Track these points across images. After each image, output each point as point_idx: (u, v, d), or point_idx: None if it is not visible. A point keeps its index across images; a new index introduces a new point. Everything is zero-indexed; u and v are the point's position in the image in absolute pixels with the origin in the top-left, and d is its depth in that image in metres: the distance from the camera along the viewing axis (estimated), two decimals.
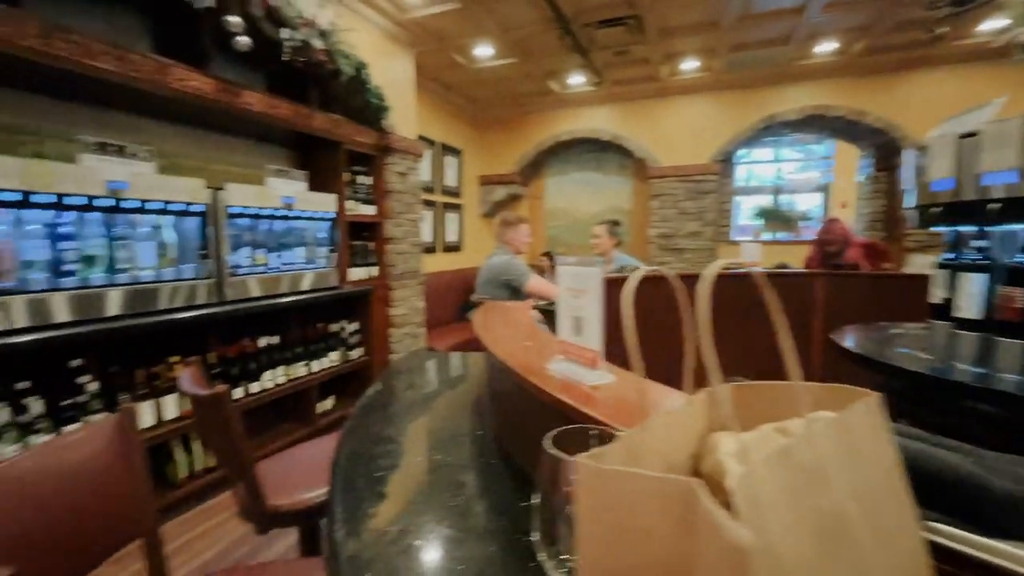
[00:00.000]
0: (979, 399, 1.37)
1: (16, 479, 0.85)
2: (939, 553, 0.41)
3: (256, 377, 2.61)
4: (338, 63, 2.92)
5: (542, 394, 0.68)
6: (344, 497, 0.83)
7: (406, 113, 4.02)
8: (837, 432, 0.36)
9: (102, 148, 1.98)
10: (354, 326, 3.49)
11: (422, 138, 5.06)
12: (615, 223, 3.52)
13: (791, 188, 7.05)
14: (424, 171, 5.38)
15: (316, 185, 3.11)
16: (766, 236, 6.74)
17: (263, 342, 2.67)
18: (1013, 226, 1.33)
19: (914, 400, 1.56)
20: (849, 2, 3.86)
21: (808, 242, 6.56)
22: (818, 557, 0.31)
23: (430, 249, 5.59)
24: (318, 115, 2.98)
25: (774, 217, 6.72)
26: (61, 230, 1.86)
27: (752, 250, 3.15)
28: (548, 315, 2.96)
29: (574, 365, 0.74)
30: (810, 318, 3.08)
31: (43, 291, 1.79)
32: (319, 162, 3.28)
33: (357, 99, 3.28)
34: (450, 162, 6.10)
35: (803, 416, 0.39)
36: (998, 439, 1.31)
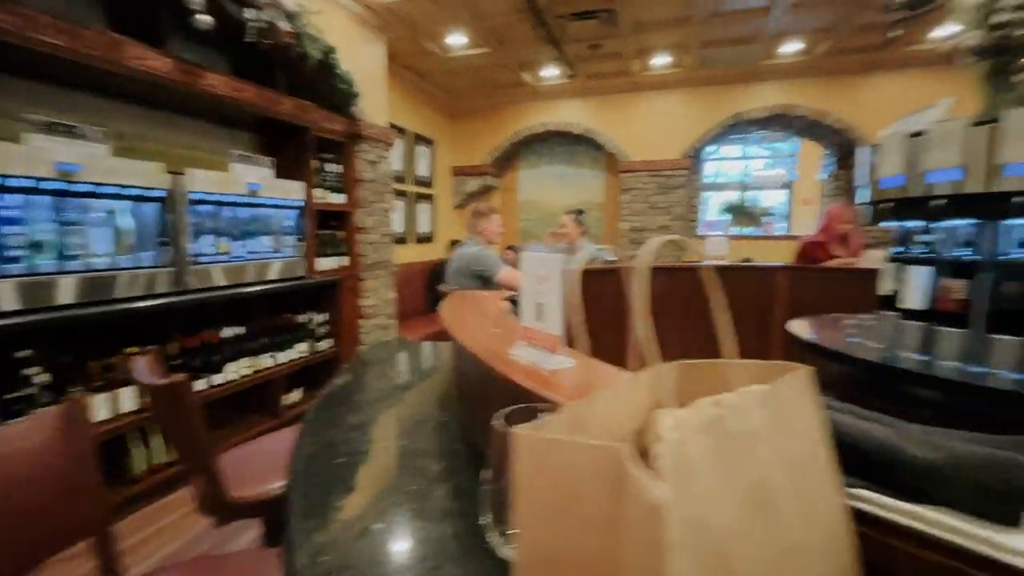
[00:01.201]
0: (921, 385, 1.45)
1: None
2: (859, 517, 0.44)
3: (219, 369, 2.55)
4: (305, 46, 2.84)
5: (502, 378, 0.69)
6: (303, 485, 0.82)
7: (377, 100, 3.95)
8: (767, 403, 0.37)
9: (50, 128, 1.88)
10: (322, 317, 3.43)
11: (394, 126, 4.99)
12: (580, 212, 3.56)
13: (757, 185, 7.24)
14: (396, 160, 5.31)
15: (283, 172, 3.04)
16: (733, 231, 6.91)
17: (227, 333, 2.61)
18: (955, 222, 1.41)
19: (864, 386, 1.64)
20: (813, 4, 3.97)
21: (771, 238, 6.78)
22: (745, 520, 0.32)
23: (401, 240, 5.53)
24: (285, 100, 2.90)
25: (741, 213, 6.90)
26: (5, 214, 1.77)
27: (717, 244, 3.23)
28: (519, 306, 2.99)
29: (536, 350, 0.75)
30: (772, 309, 3.19)
31: None
32: (286, 148, 3.20)
33: (326, 84, 3.21)
34: (423, 152, 6.03)
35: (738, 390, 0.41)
36: (938, 422, 1.39)
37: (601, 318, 3.06)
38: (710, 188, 7.33)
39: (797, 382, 0.41)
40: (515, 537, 0.37)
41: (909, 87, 4.95)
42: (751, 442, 0.35)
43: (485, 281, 2.81)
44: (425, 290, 5.54)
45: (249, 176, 2.69)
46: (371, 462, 0.93)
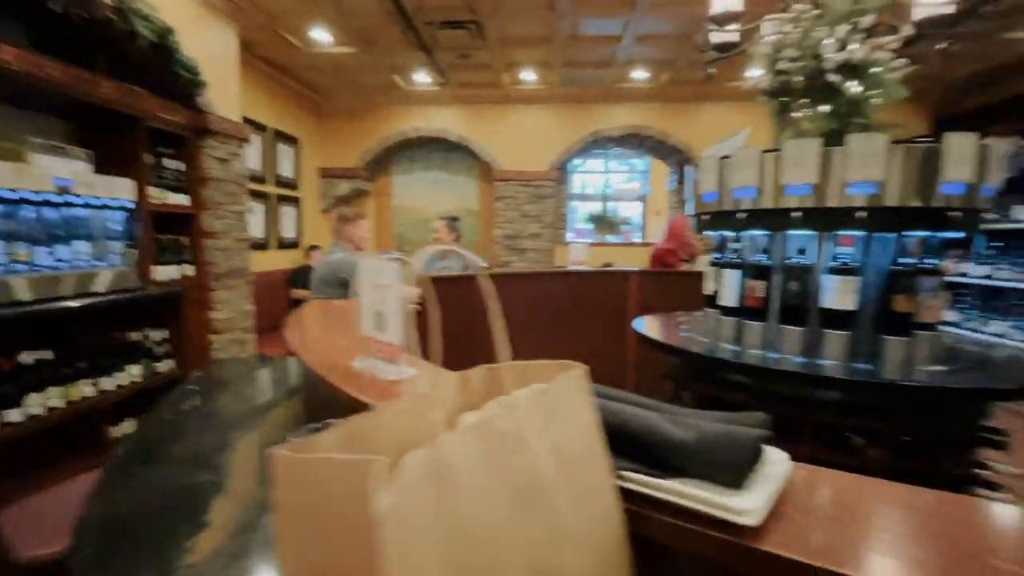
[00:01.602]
0: (735, 371, 1.71)
1: None
2: (628, 495, 0.50)
3: (15, 402, 2.11)
4: (133, 24, 2.49)
5: (341, 393, 0.68)
6: (92, 544, 0.71)
7: (227, 91, 3.60)
8: (541, 400, 0.41)
9: None
10: (161, 334, 3.02)
11: (250, 122, 4.58)
12: (455, 219, 3.60)
13: (617, 197, 7.95)
14: (253, 159, 4.87)
15: (108, 167, 2.61)
16: (597, 238, 7.49)
17: (26, 358, 2.17)
18: (755, 232, 1.68)
19: (694, 374, 1.88)
20: (655, 38, 4.49)
21: (629, 244, 7.48)
22: (516, 514, 0.35)
23: (262, 245, 5.09)
24: (105, 83, 2.51)
25: (603, 222, 7.50)
26: None
27: (579, 251, 3.49)
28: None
29: (378, 361, 0.75)
30: (627, 309, 3.51)
31: None
32: (112, 140, 2.76)
33: (163, 70, 2.84)
34: (285, 151, 5.61)
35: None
36: (748, 401, 1.65)
37: (468, 324, 3.11)
38: (577, 198, 7.87)
39: (572, 380, 0.45)
40: (279, 561, 0.34)
41: (730, 116, 5.80)
42: (522, 439, 0.37)
43: (353, 288, 2.70)
44: (291, 300, 5.15)
45: (58, 170, 2.28)
46: (188, 506, 0.85)
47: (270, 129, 5.24)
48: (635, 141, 6.48)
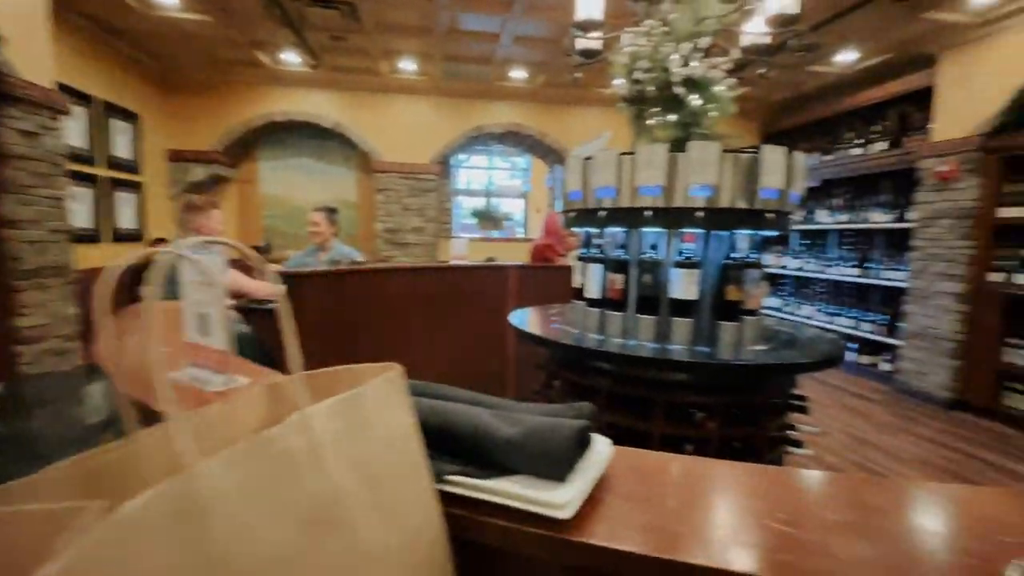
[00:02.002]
0: (598, 359, 1.83)
1: None
2: (455, 500, 0.49)
3: None
4: None
5: (151, 411, 0.59)
6: None
7: (34, 51, 2.99)
8: (344, 410, 0.37)
9: None
10: None
11: (69, 90, 3.87)
12: (333, 210, 3.39)
13: (500, 193, 8.09)
14: (77, 135, 4.13)
15: None
16: (482, 234, 7.56)
17: None
18: (614, 229, 1.80)
19: (563, 363, 1.98)
20: (531, 40, 4.63)
21: (512, 240, 7.66)
22: (302, 541, 0.31)
23: (90, 237, 4.34)
24: None
25: (486, 217, 7.59)
26: None
27: (460, 246, 3.48)
28: (253, 313, 2.65)
29: (203, 370, 0.66)
30: (507, 302, 3.59)
31: None
32: None
33: None
34: (121, 128, 4.83)
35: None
36: (611, 386, 1.77)
37: (341, 323, 2.94)
38: (461, 194, 7.87)
39: (384, 384, 0.42)
40: None
41: (600, 120, 6.20)
42: (315, 457, 0.33)
43: None
44: (134, 300, 4.46)
45: None
46: None
47: (98, 100, 4.47)
48: (516, 139, 6.64)
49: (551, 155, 6.64)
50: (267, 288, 2.77)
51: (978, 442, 3.57)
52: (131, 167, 4.99)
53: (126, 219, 4.91)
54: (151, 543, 0.25)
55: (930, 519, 0.54)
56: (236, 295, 2.40)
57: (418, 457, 0.43)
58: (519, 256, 5.76)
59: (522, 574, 0.53)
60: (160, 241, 5.00)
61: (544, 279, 3.65)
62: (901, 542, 0.48)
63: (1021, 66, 3.62)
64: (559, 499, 0.46)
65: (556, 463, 0.49)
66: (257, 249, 5.73)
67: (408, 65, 5.36)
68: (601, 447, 0.57)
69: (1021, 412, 3.76)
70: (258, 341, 2.42)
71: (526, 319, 2.18)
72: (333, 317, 2.78)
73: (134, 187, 5.03)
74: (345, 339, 2.84)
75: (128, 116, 4.92)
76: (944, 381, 4.19)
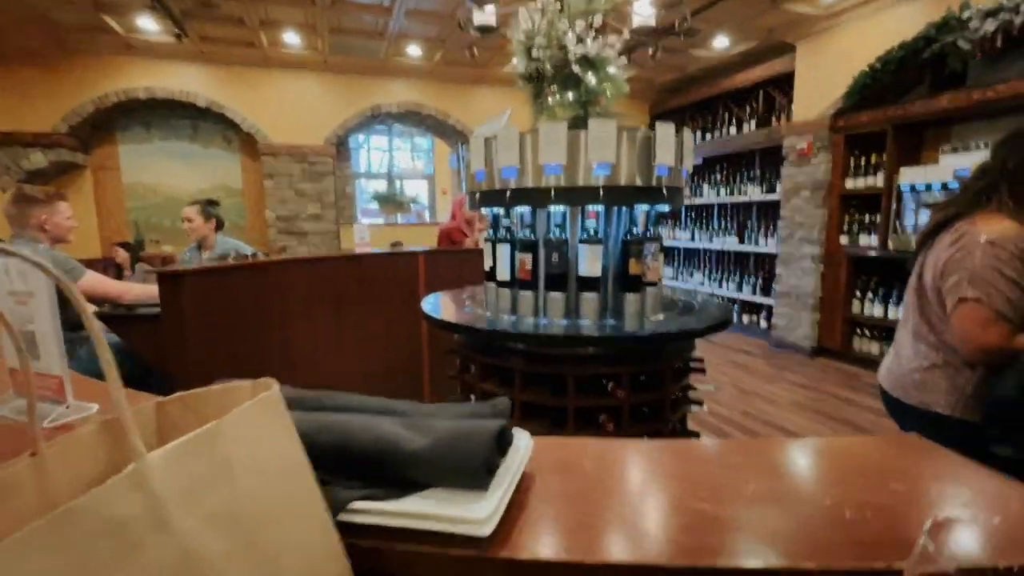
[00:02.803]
0: (513, 340, 1.84)
1: None
2: (361, 530, 0.43)
3: None
4: None
5: None
6: None
7: None
8: (197, 451, 0.30)
9: None
10: None
11: None
12: (211, 203, 3.05)
13: (402, 175, 7.82)
14: None
15: None
16: (387, 219, 7.28)
17: None
18: (520, 208, 1.80)
19: (476, 347, 1.96)
20: (424, 14, 4.46)
21: (421, 224, 7.48)
22: None
23: None
24: None
25: (389, 201, 7.32)
26: None
27: (362, 232, 3.32)
28: (124, 321, 2.32)
29: (32, 400, 0.54)
30: (417, 289, 3.50)
31: None
32: None
33: None
34: None
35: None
36: (525, 365, 1.79)
37: (234, 325, 2.68)
38: (362, 177, 7.49)
39: (254, 410, 0.35)
40: None
41: (504, 100, 6.20)
42: (152, 522, 0.27)
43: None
44: None
45: None
46: None
47: None
48: (416, 119, 6.42)
49: (454, 136, 6.53)
50: (137, 291, 2.45)
51: (835, 382, 4.16)
52: None
53: None
54: None
55: (833, 475, 0.59)
56: (99, 299, 2.08)
57: (306, 490, 0.37)
58: (428, 241, 5.63)
59: None
60: None
61: (455, 262, 3.60)
62: (811, 506, 0.51)
63: (861, 55, 4.15)
64: (478, 514, 0.42)
65: (472, 474, 0.45)
66: (125, 247, 5.03)
67: (291, 38, 4.93)
68: (522, 443, 0.54)
69: (866, 354, 4.42)
70: (131, 353, 2.13)
71: (439, 305, 2.13)
72: (222, 320, 2.52)
73: None
74: (240, 343, 2.59)
75: None
76: (808, 332, 4.80)
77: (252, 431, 0.34)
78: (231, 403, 0.36)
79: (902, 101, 4.08)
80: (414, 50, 5.32)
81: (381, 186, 7.53)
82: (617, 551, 0.44)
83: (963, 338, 1.28)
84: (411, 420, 0.50)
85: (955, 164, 3.69)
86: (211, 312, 2.41)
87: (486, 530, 0.42)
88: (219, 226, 3.08)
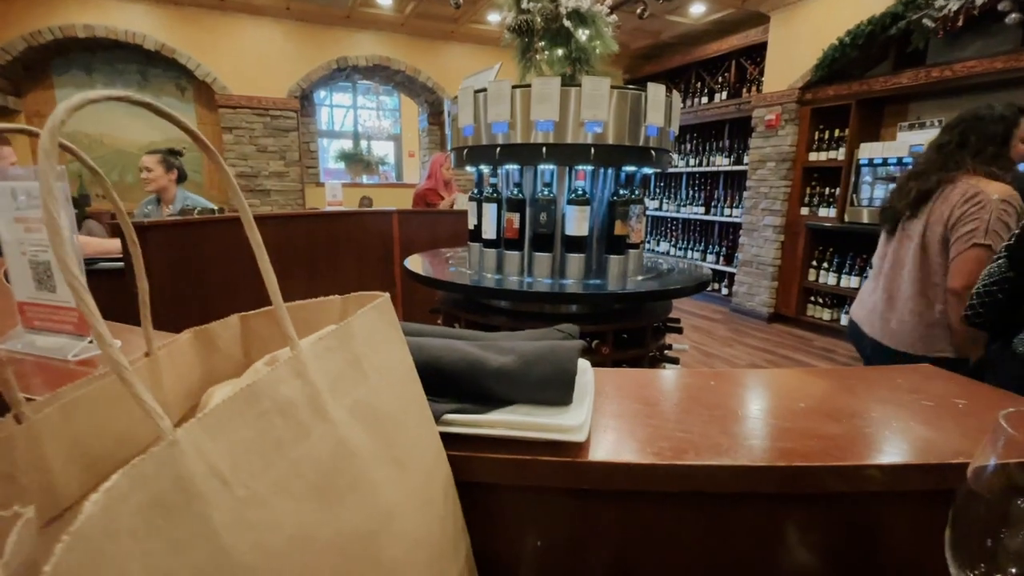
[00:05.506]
0: (498, 298, 1.85)
1: None
2: (450, 441, 0.45)
3: None
4: None
5: None
6: None
7: None
8: (337, 347, 0.31)
9: None
10: None
11: None
12: (173, 152, 2.87)
13: (369, 135, 7.54)
14: None
15: None
16: (353, 179, 7.05)
17: None
18: (509, 166, 1.78)
19: (463, 306, 1.97)
20: None
21: (387, 185, 7.28)
22: (321, 513, 0.26)
23: None
24: None
25: (355, 160, 7.07)
26: None
27: (335, 190, 3.21)
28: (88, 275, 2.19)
29: (49, 336, 0.52)
30: (392, 250, 3.45)
31: None
32: None
33: None
34: None
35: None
36: (510, 324, 1.82)
37: (198, 282, 2.58)
38: (326, 135, 7.18)
39: (374, 314, 0.36)
40: None
41: (481, 58, 6.01)
42: (316, 408, 0.27)
43: None
44: None
45: None
46: None
47: None
48: (385, 75, 6.16)
49: (424, 94, 6.31)
50: (94, 245, 2.30)
51: (789, 345, 4.41)
52: None
53: None
54: (128, 554, 0.18)
55: (879, 393, 0.66)
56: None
57: (421, 396, 0.38)
58: (396, 203, 5.51)
59: (526, 506, 0.51)
60: None
61: (429, 224, 3.55)
62: (862, 419, 0.56)
63: (832, 28, 4.24)
64: (573, 422, 0.45)
65: (562, 386, 0.47)
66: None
67: None
68: (584, 367, 0.57)
69: (818, 320, 4.70)
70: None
71: (421, 264, 2.11)
72: (189, 279, 2.41)
73: None
74: (211, 302, 2.50)
75: None
76: (766, 299, 5.04)
77: (375, 335, 0.34)
78: (318, 320, 0.36)
79: (866, 76, 4.21)
80: (384, 0, 5.06)
81: (347, 145, 7.25)
82: (700, 457, 0.47)
83: (967, 275, 1.43)
84: (483, 343, 0.51)
85: (911, 140, 3.88)
86: (179, 268, 2.31)
87: (580, 436, 0.45)
88: (181, 178, 2.91)
